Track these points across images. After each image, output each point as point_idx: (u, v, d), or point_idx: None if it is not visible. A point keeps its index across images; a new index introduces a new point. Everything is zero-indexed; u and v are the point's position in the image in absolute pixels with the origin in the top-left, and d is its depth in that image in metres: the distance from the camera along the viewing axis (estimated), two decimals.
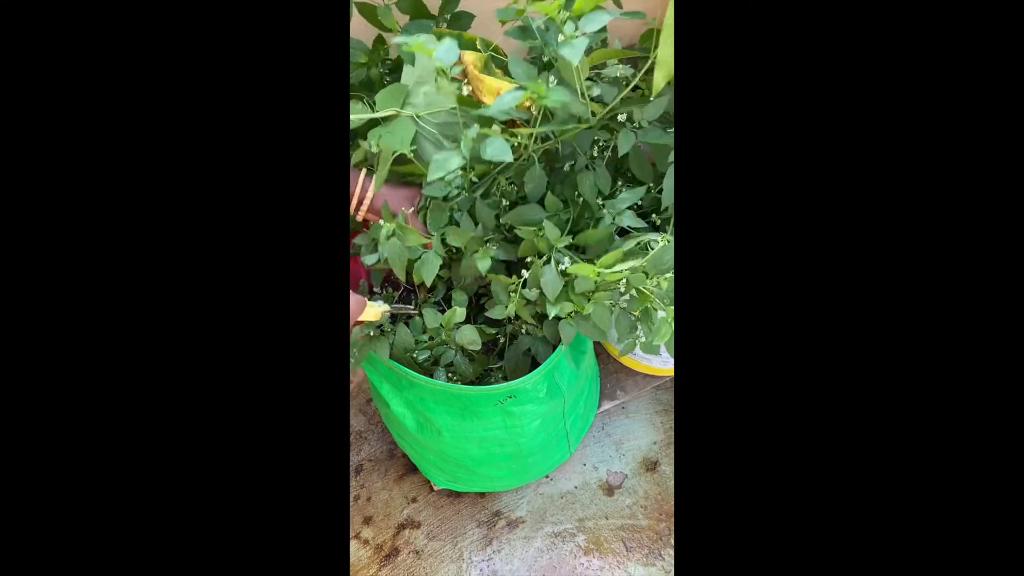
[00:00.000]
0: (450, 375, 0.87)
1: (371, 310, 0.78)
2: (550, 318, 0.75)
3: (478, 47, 0.85)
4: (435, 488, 1.15)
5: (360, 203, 0.78)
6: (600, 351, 1.23)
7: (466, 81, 0.78)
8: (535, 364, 0.86)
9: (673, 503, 1.12)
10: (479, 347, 0.82)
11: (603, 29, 0.73)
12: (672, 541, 1.08)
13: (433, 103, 0.77)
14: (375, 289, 0.97)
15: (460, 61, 0.87)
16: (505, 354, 0.91)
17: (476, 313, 0.94)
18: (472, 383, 0.88)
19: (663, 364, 1.17)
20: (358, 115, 0.74)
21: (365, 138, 0.76)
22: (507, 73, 0.79)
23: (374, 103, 0.77)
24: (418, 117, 0.77)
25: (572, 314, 0.72)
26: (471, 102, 0.80)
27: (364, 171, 0.78)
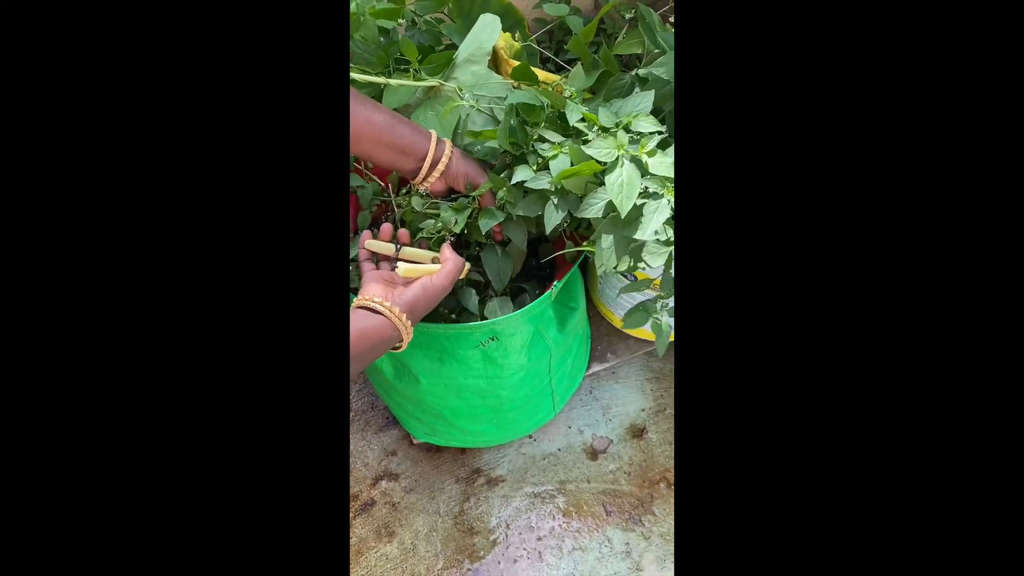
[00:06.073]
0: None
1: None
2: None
3: (520, 30, 0.89)
4: (415, 442, 1.12)
5: (433, 166, 0.75)
6: (592, 312, 1.20)
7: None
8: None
9: (658, 471, 1.09)
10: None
11: None
12: (654, 509, 1.05)
13: (481, 81, 0.78)
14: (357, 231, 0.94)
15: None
16: (487, 304, 0.87)
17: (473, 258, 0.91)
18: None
19: None
20: (399, 81, 0.76)
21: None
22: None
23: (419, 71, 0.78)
24: (461, 93, 0.77)
25: (557, 187, 0.67)
26: (529, 72, 0.79)
27: (435, 134, 0.75)
